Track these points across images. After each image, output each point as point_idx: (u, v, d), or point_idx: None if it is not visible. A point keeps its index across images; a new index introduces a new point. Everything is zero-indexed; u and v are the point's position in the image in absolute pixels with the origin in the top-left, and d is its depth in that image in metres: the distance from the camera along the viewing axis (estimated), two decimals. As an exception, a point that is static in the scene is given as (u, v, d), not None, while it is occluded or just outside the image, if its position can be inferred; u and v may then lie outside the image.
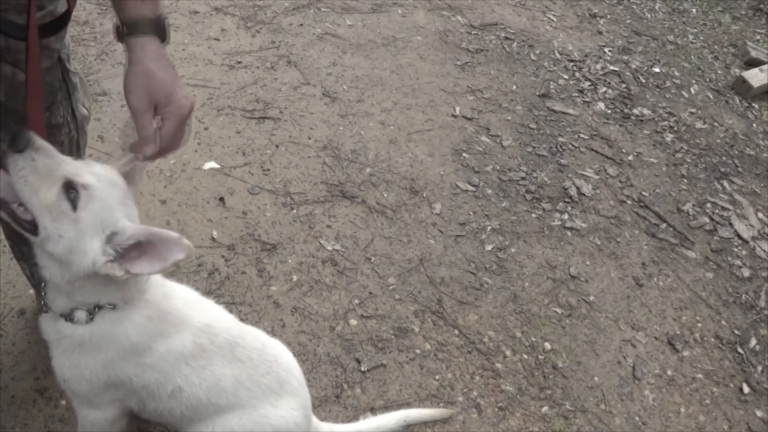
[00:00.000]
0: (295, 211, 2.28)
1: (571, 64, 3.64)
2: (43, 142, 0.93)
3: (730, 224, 2.80)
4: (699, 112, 3.54)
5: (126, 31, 0.94)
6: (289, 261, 2.10)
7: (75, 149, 1.27)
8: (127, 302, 1.07)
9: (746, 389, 2.12)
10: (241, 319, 1.32)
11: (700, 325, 2.31)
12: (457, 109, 3.03)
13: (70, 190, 0.93)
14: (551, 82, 3.42)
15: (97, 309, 1.04)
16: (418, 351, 1.94)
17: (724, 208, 2.88)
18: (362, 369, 1.84)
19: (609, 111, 3.33)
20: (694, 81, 3.82)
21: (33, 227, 0.93)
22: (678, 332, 2.26)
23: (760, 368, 2.21)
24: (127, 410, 1.22)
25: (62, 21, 1.03)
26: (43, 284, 1.04)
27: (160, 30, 0.96)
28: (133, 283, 1.04)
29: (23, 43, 0.99)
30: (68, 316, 1.05)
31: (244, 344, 1.23)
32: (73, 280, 0.98)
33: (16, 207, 0.93)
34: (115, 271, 0.96)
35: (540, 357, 2.03)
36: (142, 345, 1.09)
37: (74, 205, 0.93)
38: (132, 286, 1.05)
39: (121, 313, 1.06)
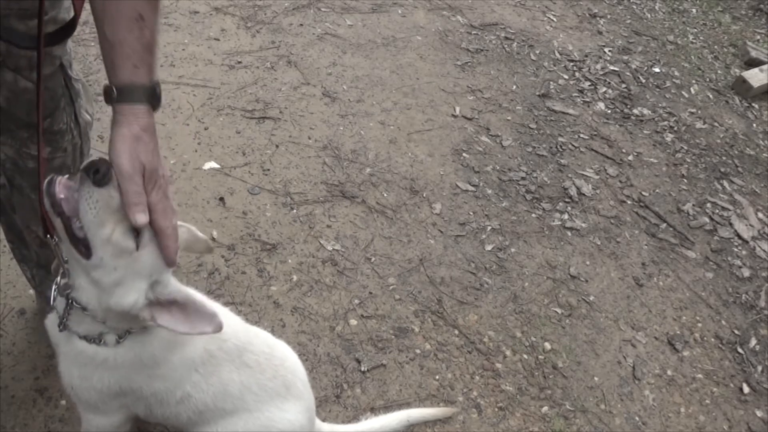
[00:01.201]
0: (295, 211, 2.28)
1: (571, 64, 3.64)
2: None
3: (730, 224, 2.80)
4: (699, 112, 3.54)
5: (117, 96, 0.89)
6: (289, 261, 2.10)
7: (78, 155, 1.27)
8: None
9: (746, 389, 2.12)
10: (241, 320, 1.32)
11: (700, 325, 2.31)
12: (457, 109, 3.03)
13: (135, 229, 0.92)
14: (551, 82, 3.42)
15: (127, 333, 1.03)
16: (418, 351, 1.94)
17: (724, 208, 2.88)
18: (362, 369, 1.84)
19: (609, 111, 3.33)
20: (694, 81, 3.82)
21: (86, 249, 0.91)
22: (678, 332, 2.26)
23: (760, 368, 2.21)
24: (133, 415, 1.22)
25: (69, 29, 1.02)
26: (66, 307, 1.00)
27: (153, 98, 0.91)
28: None
29: (25, 49, 0.98)
30: (94, 339, 1.03)
31: (252, 349, 1.22)
32: (107, 310, 0.97)
33: (74, 222, 0.91)
34: (144, 315, 0.96)
35: (540, 357, 2.03)
36: (161, 358, 1.09)
37: (137, 243, 0.92)
38: None
39: (151, 332, 1.05)
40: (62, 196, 0.89)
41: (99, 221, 0.89)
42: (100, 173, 0.87)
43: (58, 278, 1.00)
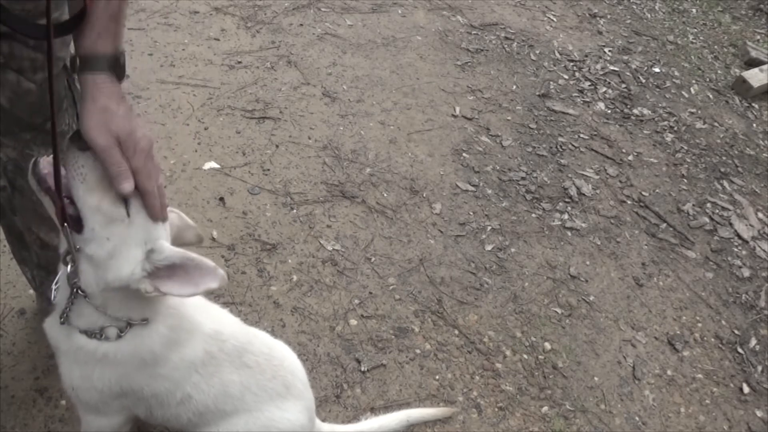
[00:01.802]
0: (295, 211, 2.28)
1: (571, 64, 3.64)
2: None
3: (730, 224, 2.80)
4: (699, 112, 3.54)
5: (80, 65, 0.89)
6: (289, 261, 2.10)
7: None
8: (158, 313, 1.05)
9: (746, 389, 2.12)
10: (241, 320, 1.32)
11: (700, 325, 2.31)
12: (457, 109, 3.03)
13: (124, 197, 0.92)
14: (551, 82, 3.42)
15: (128, 326, 1.02)
16: (418, 351, 1.94)
17: (724, 208, 2.88)
18: (362, 369, 1.84)
19: (609, 111, 3.33)
20: (694, 81, 3.82)
21: (77, 223, 0.91)
22: (678, 332, 2.26)
23: (760, 368, 2.21)
24: (133, 417, 1.22)
25: (76, 21, 1.02)
26: (69, 296, 1.00)
27: (117, 67, 0.90)
28: (163, 298, 1.03)
29: (28, 50, 0.98)
30: (95, 334, 1.02)
31: (251, 349, 1.22)
32: (107, 290, 0.96)
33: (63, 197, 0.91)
34: (146, 287, 0.95)
35: (540, 357, 2.03)
36: (161, 356, 1.08)
37: (127, 210, 0.92)
38: (164, 300, 1.04)
39: (150, 326, 1.05)
40: (46, 171, 0.90)
41: (88, 187, 0.89)
42: (82, 137, 0.88)
43: (66, 268, 0.99)
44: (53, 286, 1.03)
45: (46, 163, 0.91)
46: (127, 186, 0.89)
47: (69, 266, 0.97)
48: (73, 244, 0.93)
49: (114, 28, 0.89)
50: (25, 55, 0.98)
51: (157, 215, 0.95)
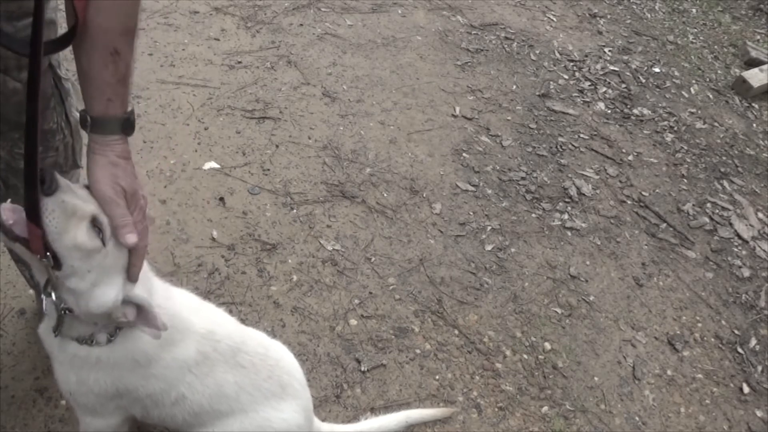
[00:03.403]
0: (295, 211, 2.28)
1: (571, 64, 3.64)
2: (65, 180, 0.91)
3: (730, 224, 2.80)
4: (699, 112, 3.54)
5: (91, 126, 0.91)
6: (289, 261, 2.10)
7: (71, 154, 1.27)
8: None
9: (746, 389, 2.12)
10: (241, 320, 1.33)
11: (700, 325, 2.31)
12: (457, 109, 3.03)
13: (95, 226, 0.92)
14: (551, 82, 3.42)
15: (118, 330, 1.04)
16: (418, 351, 1.94)
17: (724, 208, 2.88)
18: (362, 369, 1.84)
19: (609, 111, 3.33)
20: (694, 81, 3.82)
21: (55, 262, 0.91)
22: (678, 332, 2.26)
23: (760, 368, 2.21)
24: (130, 416, 1.22)
25: (67, 39, 1.02)
26: (58, 317, 1.01)
27: (127, 127, 0.93)
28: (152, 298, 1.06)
29: (23, 56, 0.98)
30: (86, 340, 1.03)
31: (246, 349, 1.23)
32: (87, 314, 0.97)
33: None
34: (120, 313, 0.98)
35: (540, 357, 2.03)
36: (153, 355, 1.09)
37: (103, 241, 0.92)
38: (154, 300, 1.07)
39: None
40: (11, 222, 0.89)
41: (60, 230, 0.89)
42: (46, 183, 0.87)
43: (46, 292, 1.00)
44: (42, 297, 1.03)
45: (8, 213, 0.89)
46: (132, 238, 0.92)
47: (53, 295, 0.97)
48: (53, 274, 0.93)
49: (122, 90, 0.92)
50: (11, 55, 0.98)
51: (135, 274, 0.97)
